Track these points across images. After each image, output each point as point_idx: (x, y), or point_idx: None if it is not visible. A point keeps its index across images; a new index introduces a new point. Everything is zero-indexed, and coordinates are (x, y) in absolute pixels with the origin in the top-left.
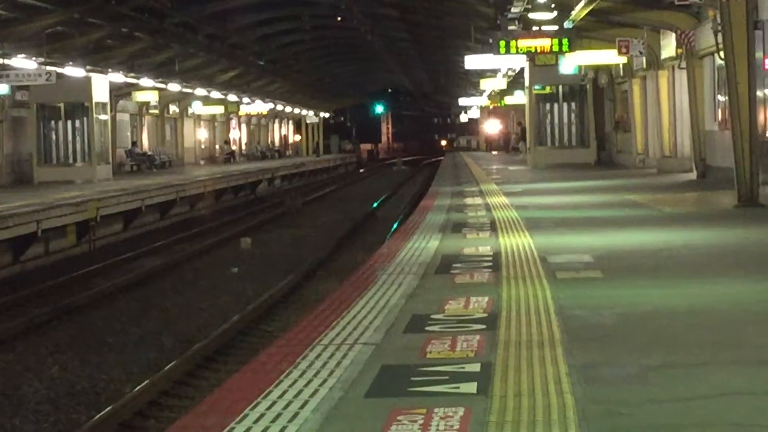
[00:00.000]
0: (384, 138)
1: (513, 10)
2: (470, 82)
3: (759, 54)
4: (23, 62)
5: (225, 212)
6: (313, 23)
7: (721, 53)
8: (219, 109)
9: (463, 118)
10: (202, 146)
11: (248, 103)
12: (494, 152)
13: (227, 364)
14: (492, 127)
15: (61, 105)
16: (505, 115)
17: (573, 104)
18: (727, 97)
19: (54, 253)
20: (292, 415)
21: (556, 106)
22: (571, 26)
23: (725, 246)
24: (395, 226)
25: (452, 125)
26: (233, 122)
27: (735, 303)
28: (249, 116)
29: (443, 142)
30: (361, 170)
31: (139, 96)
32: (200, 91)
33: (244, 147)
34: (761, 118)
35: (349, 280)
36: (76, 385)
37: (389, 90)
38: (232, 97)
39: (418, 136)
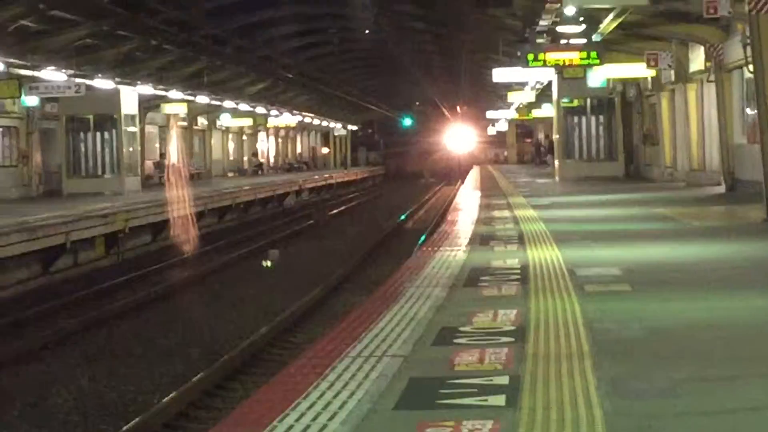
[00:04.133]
0: (412, 150)
1: (541, 23)
2: (498, 95)
3: None
4: (53, 74)
5: (253, 224)
6: (341, 36)
7: (750, 66)
8: (247, 122)
9: (491, 131)
10: (231, 158)
11: (276, 116)
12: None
13: (255, 375)
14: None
15: (91, 117)
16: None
17: (601, 117)
18: (755, 111)
19: (83, 264)
20: (320, 428)
21: (584, 119)
22: (599, 39)
23: (753, 260)
24: (423, 238)
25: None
26: (261, 134)
27: (764, 317)
28: (277, 129)
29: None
30: (389, 182)
31: (168, 108)
32: (229, 104)
33: (272, 159)
34: None
35: (376, 293)
36: (105, 396)
37: (417, 103)
38: (260, 110)
39: (445, 148)
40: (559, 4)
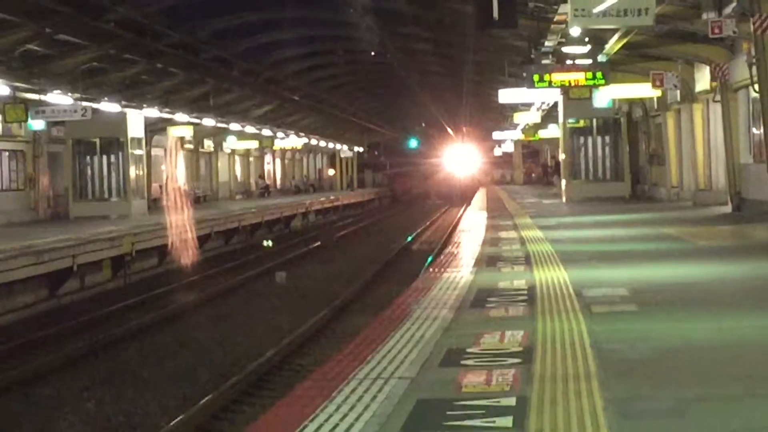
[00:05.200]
0: (418, 171)
1: (547, 43)
2: (504, 115)
3: None
4: (59, 98)
5: (260, 246)
6: (347, 58)
7: (756, 86)
8: (253, 144)
9: (497, 151)
10: (237, 180)
11: (282, 138)
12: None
13: (263, 398)
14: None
15: (97, 140)
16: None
17: (607, 138)
18: (761, 130)
19: (89, 287)
20: None
21: (590, 139)
22: (605, 60)
23: (760, 279)
24: (430, 259)
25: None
26: (267, 157)
27: None
28: (283, 151)
29: (479, 175)
30: (396, 204)
31: (174, 131)
32: (235, 126)
33: (278, 181)
34: None
35: (383, 314)
36: (112, 419)
37: (423, 124)
38: (266, 132)
39: (452, 169)
40: (564, 25)
